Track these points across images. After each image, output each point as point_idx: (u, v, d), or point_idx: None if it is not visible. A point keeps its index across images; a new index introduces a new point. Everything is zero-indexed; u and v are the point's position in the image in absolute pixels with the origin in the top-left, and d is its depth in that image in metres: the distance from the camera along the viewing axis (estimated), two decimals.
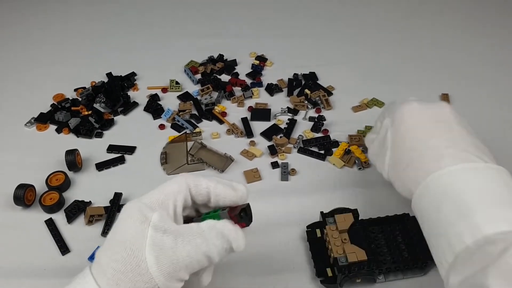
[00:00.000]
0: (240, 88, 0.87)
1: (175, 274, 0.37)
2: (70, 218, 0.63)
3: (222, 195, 0.42)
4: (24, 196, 0.63)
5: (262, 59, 0.95)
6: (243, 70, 0.93)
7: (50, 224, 0.62)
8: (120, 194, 0.66)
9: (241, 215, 0.41)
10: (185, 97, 0.86)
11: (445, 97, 0.83)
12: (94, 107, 0.81)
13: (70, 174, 0.70)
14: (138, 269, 0.36)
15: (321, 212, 0.57)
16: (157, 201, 0.40)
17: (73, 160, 0.69)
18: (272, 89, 0.86)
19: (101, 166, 0.71)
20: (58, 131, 0.79)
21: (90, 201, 0.66)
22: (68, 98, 0.85)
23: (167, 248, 0.37)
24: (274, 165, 0.71)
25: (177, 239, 0.38)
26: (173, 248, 0.37)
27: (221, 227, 0.39)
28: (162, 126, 0.79)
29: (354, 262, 0.49)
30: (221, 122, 0.80)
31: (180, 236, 0.38)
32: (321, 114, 0.80)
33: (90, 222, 0.62)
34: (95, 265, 0.38)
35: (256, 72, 0.92)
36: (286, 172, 0.69)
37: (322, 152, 0.73)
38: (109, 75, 0.91)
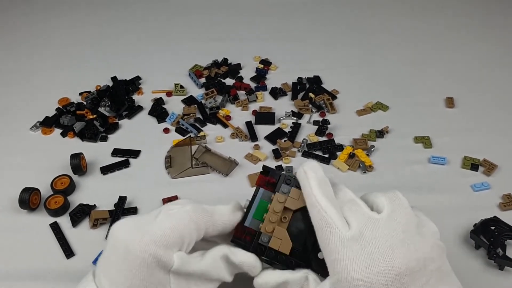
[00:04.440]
0: (244, 92, 0.87)
1: None
2: (75, 221, 0.63)
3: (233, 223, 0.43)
4: (29, 199, 0.63)
5: (266, 63, 0.95)
6: (247, 74, 0.93)
7: (55, 227, 0.62)
8: (125, 197, 0.66)
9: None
10: (189, 101, 0.86)
11: (450, 100, 0.83)
12: (99, 111, 0.82)
13: (75, 177, 0.70)
14: None
15: (281, 174, 0.45)
16: (172, 238, 0.38)
17: (78, 164, 0.69)
18: (276, 93, 0.86)
19: (105, 170, 0.72)
20: (63, 135, 0.79)
21: (94, 205, 0.66)
22: (73, 102, 0.86)
23: None
24: (279, 169, 0.71)
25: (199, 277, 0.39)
26: None
27: (235, 260, 0.40)
28: (166, 130, 0.79)
29: (273, 249, 0.42)
30: (225, 125, 0.80)
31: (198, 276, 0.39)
32: (325, 117, 0.80)
33: (94, 225, 0.62)
34: None
35: (260, 75, 0.92)
36: None
37: (327, 156, 0.73)
38: (114, 79, 0.91)
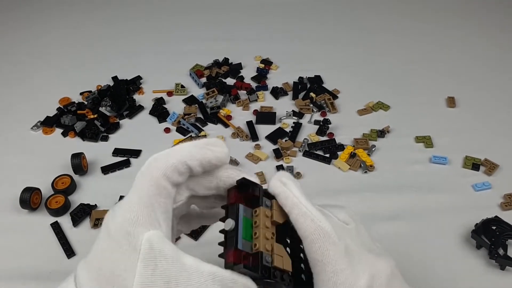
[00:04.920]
0: (245, 92, 0.87)
1: None
2: (76, 221, 0.63)
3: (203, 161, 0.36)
4: (30, 199, 0.63)
5: (267, 62, 0.95)
6: (248, 73, 0.93)
7: (56, 227, 0.62)
8: None
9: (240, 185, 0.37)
10: (190, 100, 0.86)
11: (451, 100, 0.83)
12: (99, 111, 0.82)
13: (75, 177, 0.70)
14: None
15: (260, 187, 0.39)
16: (142, 215, 0.33)
17: (79, 164, 0.69)
18: (277, 93, 0.86)
19: (106, 170, 0.72)
20: (64, 134, 0.79)
21: (95, 205, 0.66)
22: (74, 102, 0.86)
23: None
24: (279, 168, 0.71)
25: (170, 283, 0.32)
26: None
27: (227, 277, 0.33)
28: (167, 130, 0.79)
29: (278, 268, 0.36)
30: (226, 125, 0.80)
31: (173, 280, 0.32)
32: (326, 117, 0.80)
33: (95, 225, 0.62)
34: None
35: (261, 75, 0.92)
36: None
37: (328, 155, 0.73)
38: (114, 78, 0.91)
